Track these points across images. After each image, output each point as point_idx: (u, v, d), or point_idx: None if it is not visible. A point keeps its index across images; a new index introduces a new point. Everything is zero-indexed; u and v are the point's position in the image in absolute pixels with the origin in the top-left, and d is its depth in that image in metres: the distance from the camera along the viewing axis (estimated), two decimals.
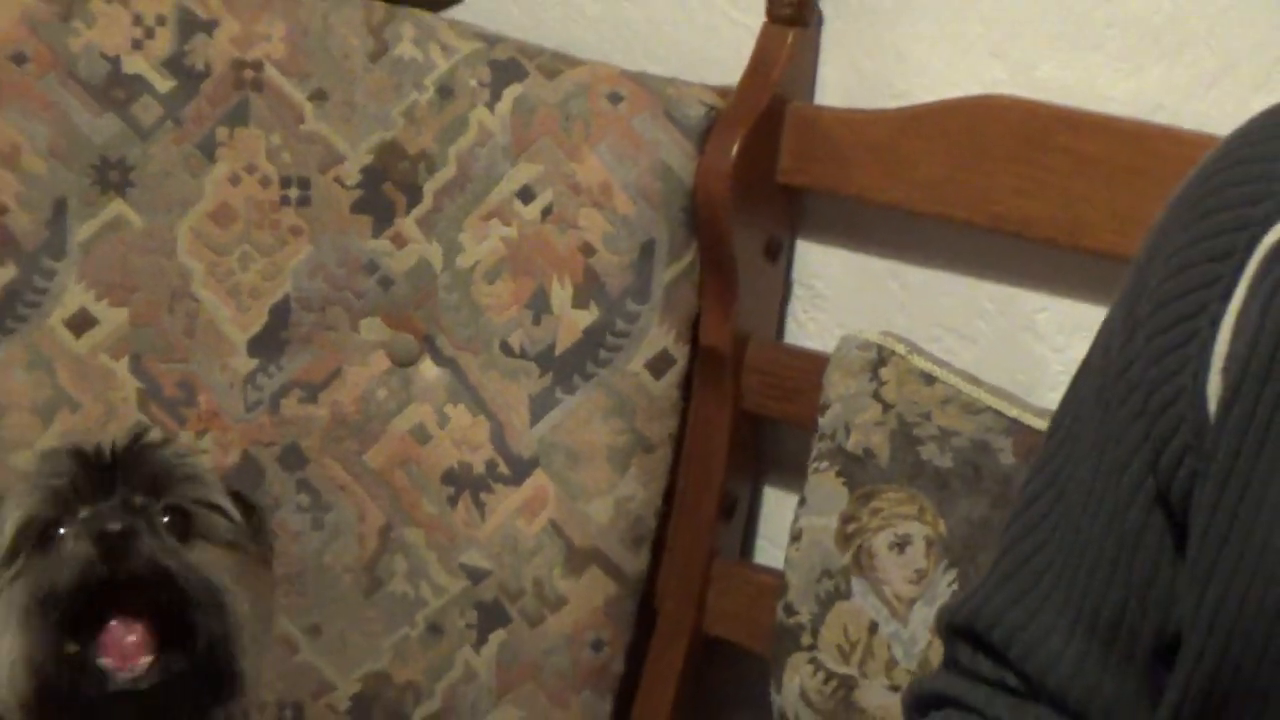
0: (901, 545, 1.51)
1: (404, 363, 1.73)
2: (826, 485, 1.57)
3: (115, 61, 1.68)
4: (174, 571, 1.25)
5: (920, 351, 1.59)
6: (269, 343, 1.71)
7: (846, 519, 1.55)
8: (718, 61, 1.71)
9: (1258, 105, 1.08)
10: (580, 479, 1.70)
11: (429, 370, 1.73)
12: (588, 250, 1.68)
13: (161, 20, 1.68)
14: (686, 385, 1.72)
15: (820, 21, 1.68)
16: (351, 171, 1.70)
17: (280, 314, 1.71)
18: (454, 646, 1.73)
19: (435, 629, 1.73)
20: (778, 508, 1.78)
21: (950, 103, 1.58)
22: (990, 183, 1.54)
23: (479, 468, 1.72)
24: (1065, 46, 1.56)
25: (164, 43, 1.68)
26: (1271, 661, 0.96)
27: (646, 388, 1.70)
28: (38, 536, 1.27)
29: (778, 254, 1.73)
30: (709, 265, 1.68)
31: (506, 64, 1.70)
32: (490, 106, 1.70)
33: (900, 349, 1.58)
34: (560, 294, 1.69)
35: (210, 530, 1.29)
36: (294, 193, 1.70)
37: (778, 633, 1.60)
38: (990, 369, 1.58)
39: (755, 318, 1.72)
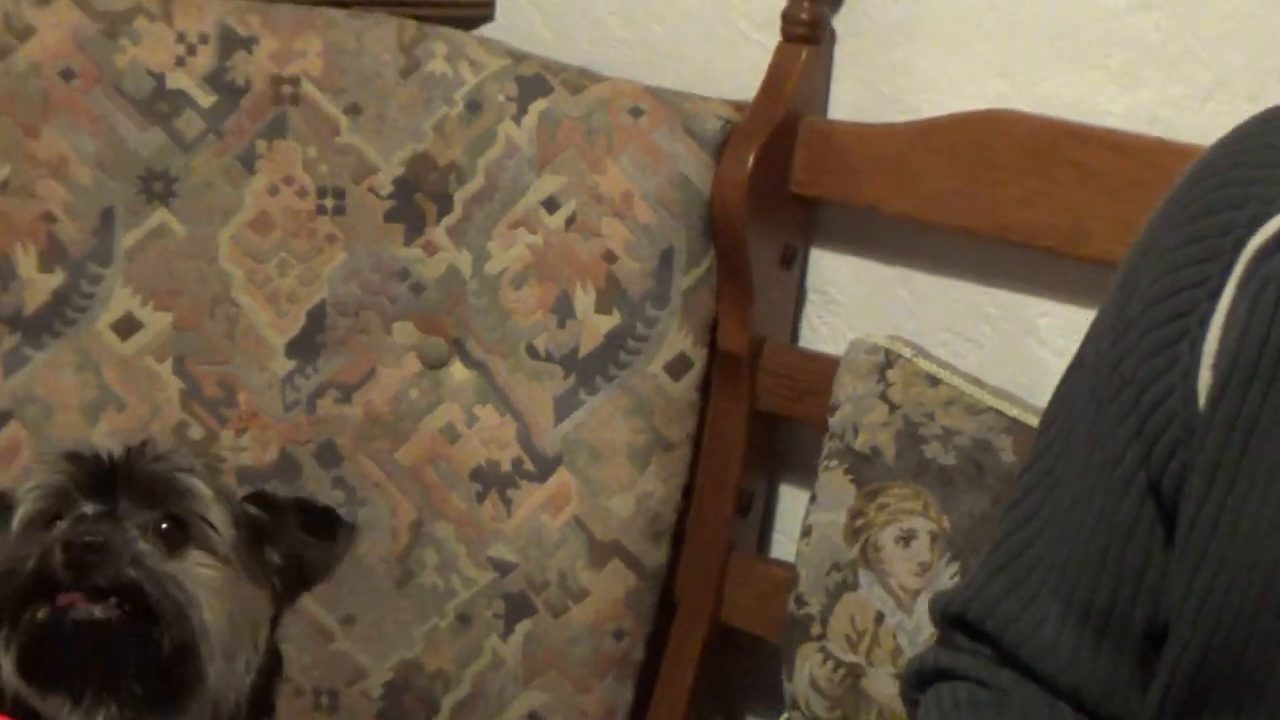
0: (907, 539, 1.51)
1: (434, 365, 1.73)
2: (836, 482, 1.57)
3: (160, 77, 1.68)
4: (138, 583, 1.24)
5: (925, 354, 1.59)
6: (306, 345, 1.71)
7: (854, 514, 1.55)
8: (736, 78, 1.71)
9: None
10: (602, 476, 1.70)
11: (458, 372, 1.73)
12: (610, 257, 1.68)
13: (204, 38, 1.68)
14: (704, 387, 1.72)
15: (833, 40, 1.68)
16: (384, 182, 1.70)
17: (317, 318, 1.71)
18: (482, 636, 1.73)
19: (464, 619, 1.73)
20: (792, 504, 1.78)
21: (957, 117, 1.57)
22: (995, 194, 1.54)
23: (506, 465, 1.72)
24: (1067, 63, 1.55)
25: (206, 59, 1.68)
26: (1256, 647, 0.97)
27: (666, 389, 1.70)
28: (42, 525, 1.28)
29: (792, 261, 1.73)
30: (726, 272, 1.68)
31: (532, 80, 1.70)
32: (517, 120, 1.70)
33: (906, 352, 1.58)
34: (584, 299, 1.69)
35: (205, 541, 1.28)
36: (330, 202, 1.70)
37: (789, 623, 1.60)
38: (994, 371, 1.57)
39: (770, 322, 1.72)
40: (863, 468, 1.56)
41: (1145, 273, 1.04)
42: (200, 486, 1.30)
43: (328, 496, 1.72)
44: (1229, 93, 1.47)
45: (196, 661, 1.24)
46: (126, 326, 1.69)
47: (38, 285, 1.68)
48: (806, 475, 1.67)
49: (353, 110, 1.70)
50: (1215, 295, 0.99)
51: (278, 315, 1.71)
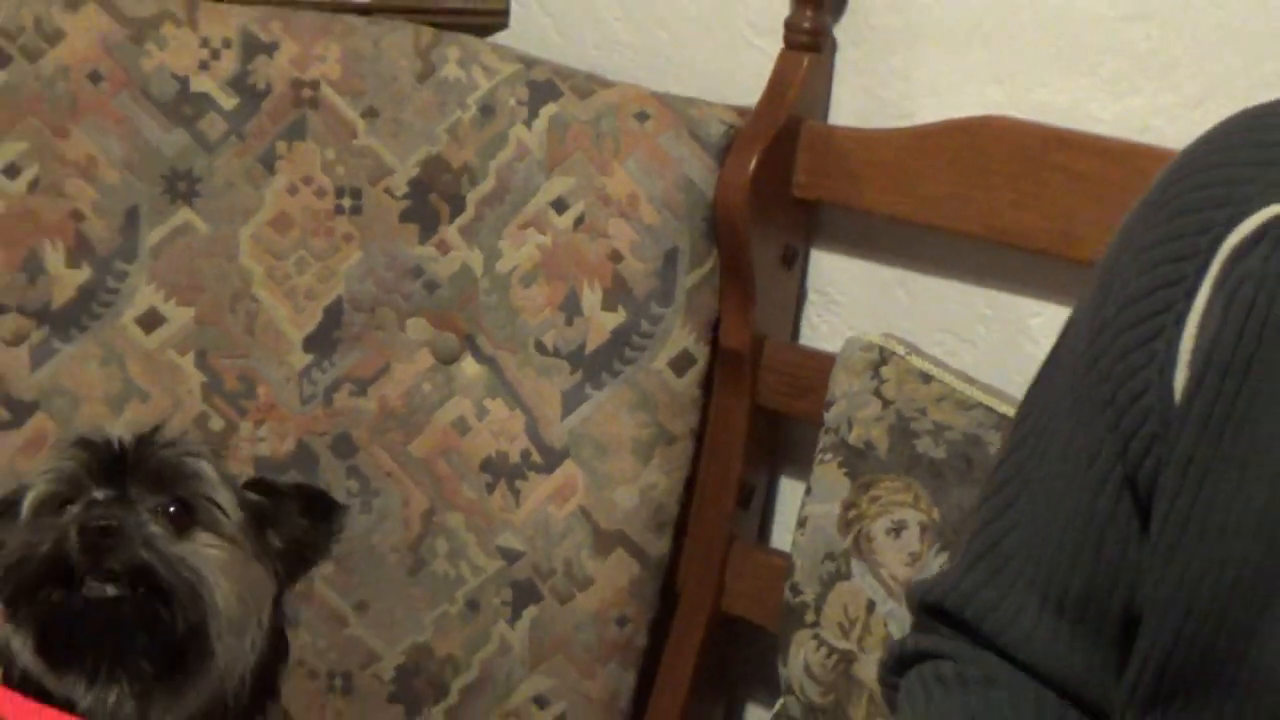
0: (898, 530, 1.50)
1: (447, 360, 1.73)
2: (830, 475, 1.57)
3: (184, 81, 1.68)
4: (150, 564, 1.23)
5: (918, 352, 1.59)
6: (323, 341, 1.72)
7: (848, 506, 1.54)
8: (740, 83, 1.71)
9: None
10: (607, 468, 1.70)
11: (470, 367, 1.73)
12: (616, 257, 1.68)
13: (227, 43, 1.69)
14: (707, 383, 1.72)
15: (834, 48, 1.67)
16: (400, 183, 1.71)
17: (333, 314, 1.72)
18: (490, 622, 1.73)
19: (473, 605, 1.73)
20: (792, 496, 1.77)
21: (953, 123, 1.57)
22: (990, 197, 1.54)
23: (514, 457, 1.72)
24: (1060, 71, 1.55)
25: (229, 64, 1.69)
26: (1226, 637, 0.96)
27: (669, 385, 1.70)
28: (53, 509, 1.28)
29: (793, 262, 1.72)
30: (728, 272, 1.68)
31: (543, 85, 1.70)
32: (528, 124, 1.70)
33: (900, 350, 1.58)
34: (590, 297, 1.69)
35: (213, 523, 1.28)
36: (347, 202, 1.71)
37: (785, 611, 1.60)
38: (988, 370, 1.57)
39: (772, 321, 1.72)
40: (856, 461, 1.55)
41: (1122, 271, 1.03)
42: (208, 470, 1.29)
43: (343, 486, 1.73)
44: (1217, 101, 1.46)
45: (206, 640, 1.24)
46: (150, 321, 1.70)
47: (65, 281, 1.68)
48: (806, 468, 1.67)
49: (370, 113, 1.70)
50: (1191, 294, 0.98)
51: (296, 311, 1.72)
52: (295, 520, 1.33)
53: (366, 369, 1.73)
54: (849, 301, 1.74)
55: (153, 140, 1.68)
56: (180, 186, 1.69)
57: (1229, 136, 1.04)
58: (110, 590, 1.22)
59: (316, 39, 1.70)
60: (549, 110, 1.70)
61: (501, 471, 1.73)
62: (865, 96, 1.68)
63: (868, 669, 1.50)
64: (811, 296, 1.76)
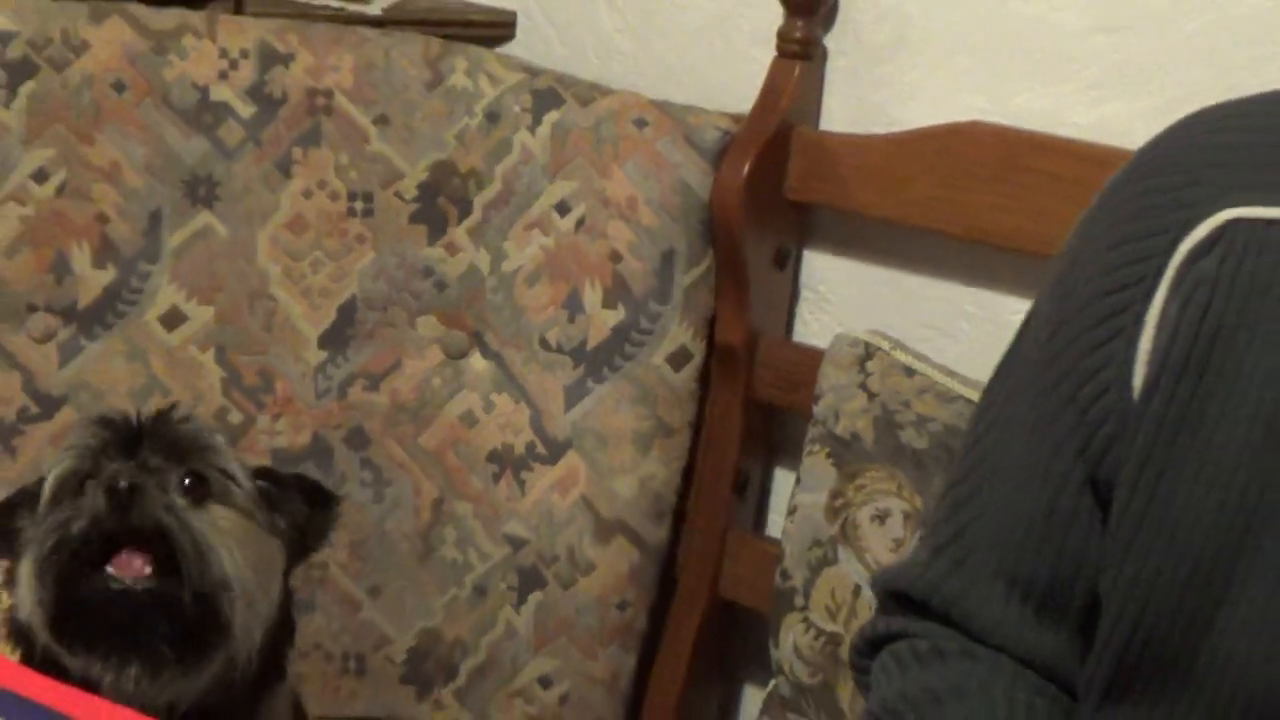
0: (882, 518, 1.50)
1: (455, 356, 1.73)
2: (818, 465, 1.57)
3: (204, 90, 1.68)
4: (170, 528, 1.23)
5: (902, 347, 1.58)
6: (337, 337, 1.72)
7: (835, 495, 1.54)
8: (734, 91, 1.71)
9: None
10: (608, 459, 1.70)
11: (477, 362, 1.73)
12: (616, 257, 1.68)
13: (245, 54, 1.69)
14: (704, 377, 1.72)
15: (825, 57, 1.67)
16: (410, 187, 1.71)
17: (347, 312, 1.72)
18: (497, 606, 1.74)
19: (480, 591, 1.74)
20: (786, 486, 1.76)
21: (937, 129, 1.57)
22: (972, 200, 1.54)
23: (520, 449, 1.72)
24: (1039, 80, 1.55)
25: (247, 73, 1.69)
26: (1182, 630, 0.96)
27: (667, 379, 1.70)
28: (73, 488, 1.27)
29: (786, 262, 1.72)
30: (724, 271, 1.67)
31: (546, 93, 1.70)
32: (531, 130, 1.70)
33: (885, 345, 1.58)
34: (592, 296, 1.69)
35: (226, 495, 1.28)
36: (359, 205, 1.71)
37: (775, 595, 1.60)
38: (971, 364, 1.56)
39: (766, 318, 1.71)
40: (843, 451, 1.55)
41: (1082, 270, 1.02)
42: (221, 443, 1.29)
43: (356, 477, 1.73)
44: (1188, 107, 1.42)
45: (218, 613, 1.24)
46: (172, 319, 1.70)
47: (91, 281, 1.68)
48: (799, 459, 1.66)
49: (381, 121, 1.70)
50: (1149, 295, 0.97)
51: (311, 309, 1.72)
52: (298, 506, 1.33)
53: (379, 364, 1.73)
54: (839, 299, 1.74)
55: (174, 146, 1.68)
56: (200, 191, 1.69)
57: (1182, 139, 1.03)
58: (130, 580, 1.22)
59: (330, 50, 1.70)
60: (552, 117, 1.70)
61: (507, 462, 1.73)
62: (854, 103, 1.68)
63: None
64: (804, 294, 1.76)
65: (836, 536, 1.54)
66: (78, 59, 1.66)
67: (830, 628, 1.54)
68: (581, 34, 1.84)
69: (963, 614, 1.08)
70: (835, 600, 1.53)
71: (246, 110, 1.69)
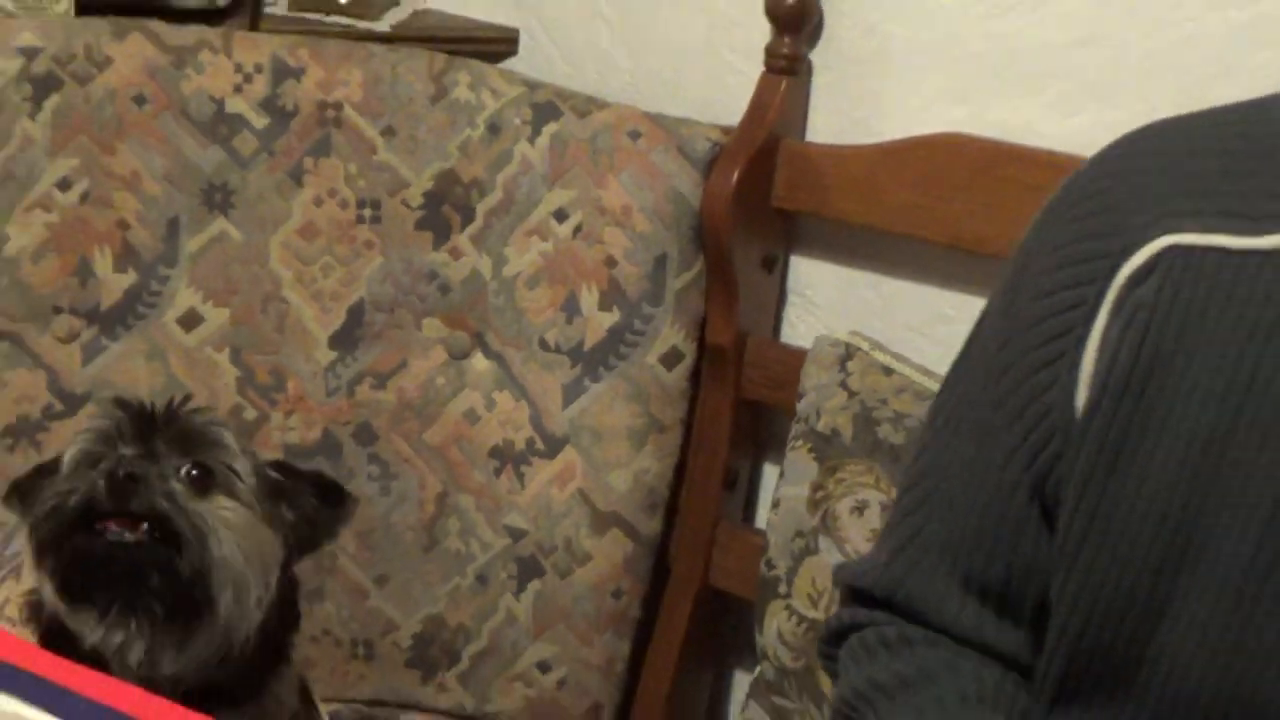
0: (861, 509, 1.50)
1: (458, 356, 1.73)
2: (801, 460, 1.57)
3: (220, 103, 1.68)
4: (167, 513, 1.22)
5: (881, 348, 1.58)
6: (346, 338, 1.72)
7: (816, 488, 1.54)
8: (724, 104, 1.71)
9: None
10: (604, 454, 1.70)
11: (479, 362, 1.73)
12: (611, 262, 1.68)
13: (259, 68, 1.69)
14: (695, 376, 1.72)
15: (810, 72, 1.67)
16: (415, 195, 1.71)
17: (356, 314, 1.72)
18: (498, 594, 1.74)
19: (482, 579, 1.74)
20: (773, 480, 1.73)
21: (916, 140, 1.57)
22: (950, 208, 1.54)
23: (520, 444, 1.72)
24: (1013, 93, 1.55)
25: (260, 87, 1.69)
26: (1125, 640, 0.96)
27: (660, 378, 1.70)
28: (90, 466, 1.26)
29: (773, 267, 1.72)
30: (714, 275, 1.68)
31: (545, 105, 1.70)
32: (531, 141, 1.70)
33: (864, 346, 1.58)
34: (588, 299, 1.69)
35: (229, 487, 1.27)
36: (368, 213, 1.71)
37: (760, 584, 1.60)
38: (949, 364, 1.57)
39: (754, 320, 1.71)
40: (824, 447, 1.55)
41: (1027, 287, 1.01)
42: (229, 439, 1.29)
43: (364, 471, 1.73)
44: (1151, 119, 1.45)
45: (208, 588, 1.23)
46: (190, 321, 1.70)
47: (113, 284, 1.69)
48: (784, 454, 1.68)
49: (388, 132, 1.70)
50: (1090, 318, 0.96)
51: (322, 311, 1.72)
52: (307, 499, 1.31)
53: (386, 364, 1.73)
54: (825, 302, 1.74)
55: (192, 156, 1.69)
56: (217, 198, 1.70)
57: (1124, 158, 1.01)
58: (128, 535, 1.22)
59: (340, 64, 1.70)
60: (550, 129, 1.70)
61: (508, 457, 1.73)
62: (838, 116, 1.68)
63: None
64: (790, 298, 1.76)
65: (818, 527, 1.54)
66: (100, 73, 1.66)
67: (812, 614, 1.54)
68: (581, 50, 1.84)
69: (923, 611, 1.07)
70: (816, 588, 1.53)
71: (260, 122, 1.70)
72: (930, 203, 1.56)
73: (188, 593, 1.23)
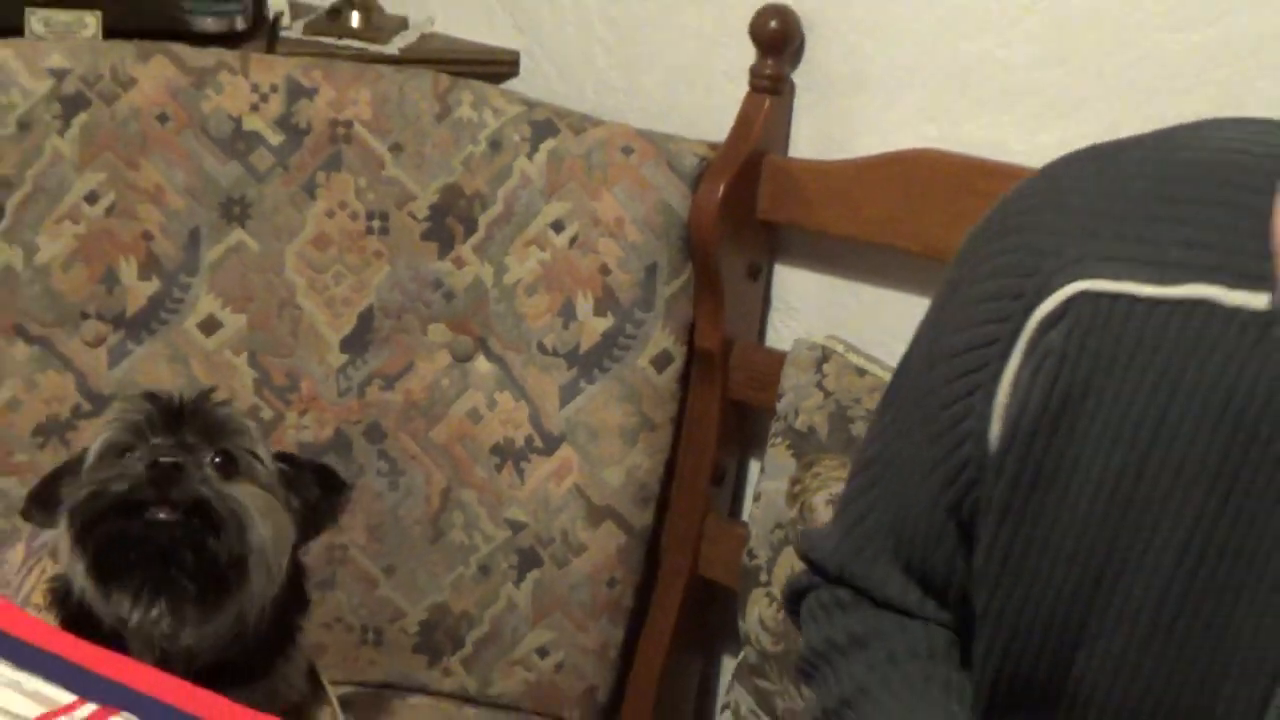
0: (835, 502, 1.43)
1: (462, 359, 1.73)
2: (780, 456, 1.57)
3: (238, 120, 1.69)
4: (208, 499, 1.22)
5: (855, 350, 1.58)
6: (357, 342, 1.73)
7: (794, 482, 1.54)
8: (712, 122, 1.71)
9: None
10: (598, 451, 1.71)
11: (482, 365, 1.74)
12: (605, 270, 1.69)
13: (274, 88, 1.70)
14: (684, 378, 1.72)
15: (793, 91, 1.68)
16: (421, 207, 1.71)
17: (366, 320, 1.72)
18: (499, 583, 1.74)
19: (484, 569, 1.74)
20: (758, 475, 1.74)
21: (892, 156, 1.58)
22: (925, 219, 1.53)
23: (520, 442, 1.72)
24: (984, 111, 1.56)
25: (276, 106, 1.69)
26: (1045, 665, 0.95)
27: (651, 380, 1.70)
28: (116, 456, 1.26)
29: (758, 275, 1.73)
30: (701, 283, 1.68)
31: (543, 123, 1.70)
32: (530, 157, 1.70)
33: (840, 349, 1.58)
34: (584, 305, 1.70)
35: (251, 473, 1.27)
36: (376, 224, 1.71)
37: (743, 573, 1.60)
38: None
39: (740, 325, 1.72)
40: (801, 443, 1.55)
41: (952, 314, 0.99)
42: (252, 427, 1.29)
43: (374, 467, 1.73)
44: (1114, 135, 1.47)
45: (245, 570, 1.24)
46: (210, 326, 1.71)
47: (138, 291, 1.70)
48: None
49: (396, 148, 1.71)
50: (1005, 354, 0.93)
51: (334, 317, 1.72)
52: (311, 488, 1.32)
53: (394, 366, 1.74)
54: (807, 309, 1.74)
55: (211, 171, 1.69)
56: (235, 211, 1.70)
57: (1046, 195, 0.97)
58: (164, 514, 1.21)
59: (350, 85, 1.71)
60: (548, 145, 1.70)
61: (508, 454, 1.73)
62: (819, 133, 1.68)
63: None
64: (774, 304, 1.77)
65: (795, 519, 1.54)
66: (125, 93, 1.68)
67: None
68: (578, 71, 1.84)
69: (869, 590, 1.07)
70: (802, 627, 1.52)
71: (276, 139, 1.70)
72: (906, 215, 1.56)
73: (221, 573, 1.23)
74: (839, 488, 1.45)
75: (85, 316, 1.70)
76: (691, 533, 1.74)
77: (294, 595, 1.32)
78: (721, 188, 1.63)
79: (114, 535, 1.23)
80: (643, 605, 1.78)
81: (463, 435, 1.74)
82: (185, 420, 1.27)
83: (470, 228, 1.72)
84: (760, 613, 1.58)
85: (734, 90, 1.69)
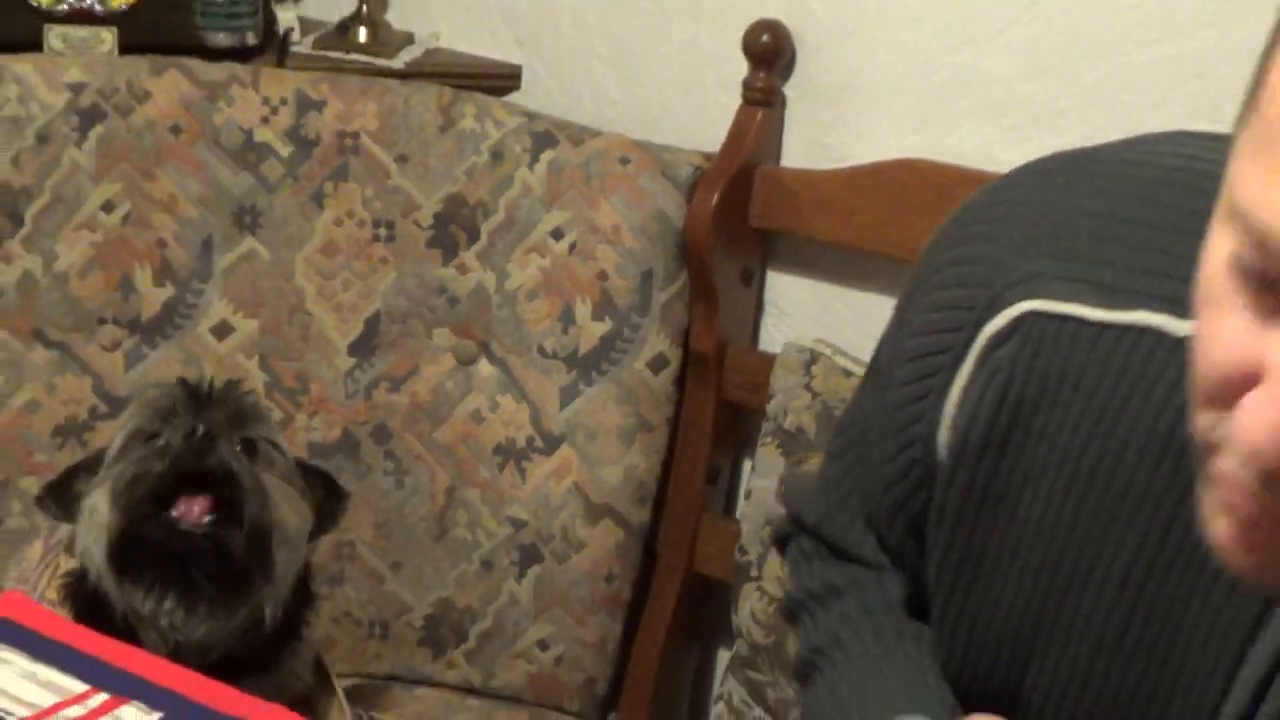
0: None
1: (466, 362, 1.73)
2: (770, 455, 1.57)
3: (249, 132, 1.69)
4: (238, 471, 1.23)
5: (843, 353, 1.58)
6: (364, 346, 1.73)
7: (782, 480, 1.54)
8: (706, 133, 1.70)
9: None
10: (597, 451, 1.71)
11: (484, 368, 1.73)
12: (603, 277, 1.69)
13: (284, 101, 1.70)
14: (680, 380, 1.71)
15: (784, 103, 1.67)
16: (426, 216, 1.71)
17: (372, 324, 1.72)
18: (501, 579, 1.74)
19: (487, 565, 1.74)
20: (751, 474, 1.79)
21: (880, 165, 1.57)
22: (912, 227, 1.48)
23: (521, 442, 1.72)
24: (968, 121, 1.56)
25: (285, 118, 1.70)
26: (1000, 674, 0.93)
27: (648, 382, 1.70)
28: (143, 441, 1.26)
29: (751, 280, 1.72)
30: (696, 289, 1.68)
31: (543, 134, 1.70)
32: (530, 167, 1.70)
33: (827, 351, 1.58)
34: (582, 310, 1.70)
35: (270, 462, 1.28)
36: (383, 232, 1.71)
37: (735, 568, 1.59)
38: None
39: (734, 329, 1.71)
40: (790, 442, 1.55)
41: (911, 317, 0.95)
42: (272, 418, 1.29)
43: (380, 467, 1.73)
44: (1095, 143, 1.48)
45: (267, 552, 1.23)
46: (222, 330, 1.71)
47: (152, 297, 1.70)
48: None
49: (401, 159, 1.71)
50: (956, 364, 0.90)
51: (342, 322, 1.72)
52: (317, 489, 1.34)
53: (400, 370, 1.74)
54: (798, 313, 1.74)
55: (223, 181, 1.70)
56: (246, 219, 1.71)
57: (1006, 206, 0.93)
58: (191, 524, 1.21)
59: (357, 98, 1.71)
60: (548, 155, 1.70)
61: (510, 454, 1.73)
62: (810, 143, 1.68)
63: None
64: (767, 309, 1.76)
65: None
66: (140, 106, 1.68)
67: (779, 594, 1.54)
68: (578, 84, 1.84)
69: (844, 548, 1.05)
70: (783, 571, 1.52)
71: (285, 150, 1.71)
72: (894, 222, 1.56)
73: (243, 570, 1.22)
74: None
75: (102, 322, 1.70)
76: (687, 530, 1.74)
77: (300, 589, 1.32)
78: (715, 196, 1.63)
79: (139, 534, 1.23)
80: (640, 600, 1.77)
81: (466, 436, 1.74)
82: (212, 405, 1.27)
83: (473, 235, 1.72)
84: (752, 607, 1.58)
85: (727, 102, 1.69)
